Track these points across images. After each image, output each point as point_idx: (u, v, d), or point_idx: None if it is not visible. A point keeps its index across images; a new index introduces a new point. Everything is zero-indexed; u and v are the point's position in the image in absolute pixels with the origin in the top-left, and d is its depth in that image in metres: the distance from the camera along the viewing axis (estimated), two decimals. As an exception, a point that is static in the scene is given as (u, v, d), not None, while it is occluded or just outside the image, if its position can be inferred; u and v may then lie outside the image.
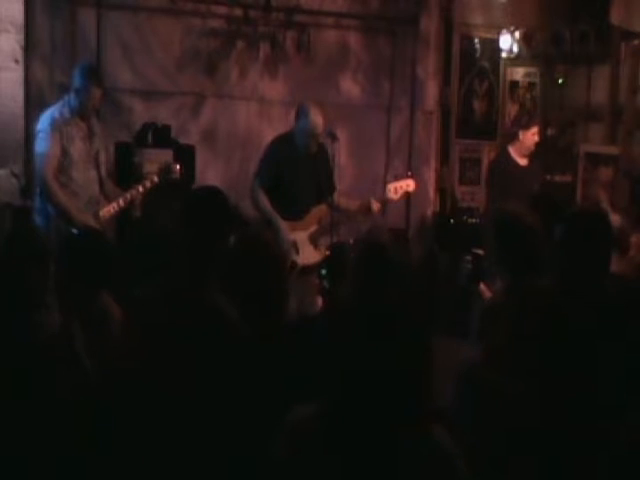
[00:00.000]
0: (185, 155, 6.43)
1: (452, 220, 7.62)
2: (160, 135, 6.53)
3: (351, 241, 5.71)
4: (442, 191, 7.93)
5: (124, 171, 6.27)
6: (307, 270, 5.69)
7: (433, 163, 7.90)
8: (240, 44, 7.07)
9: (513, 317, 2.68)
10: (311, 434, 2.09)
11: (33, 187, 5.62)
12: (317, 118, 5.55)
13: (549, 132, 7.96)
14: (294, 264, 5.57)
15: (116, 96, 6.72)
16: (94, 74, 5.50)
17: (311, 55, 7.23)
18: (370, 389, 2.03)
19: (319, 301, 5.78)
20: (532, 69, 8.14)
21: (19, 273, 2.96)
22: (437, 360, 3.09)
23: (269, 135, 6.26)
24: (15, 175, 6.06)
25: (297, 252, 5.62)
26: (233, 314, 2.90)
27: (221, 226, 3.01)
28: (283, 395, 2.60)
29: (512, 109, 8.14)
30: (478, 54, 7.94)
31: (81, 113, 5.43)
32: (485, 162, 7.93)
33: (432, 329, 3.42)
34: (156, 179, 5.57)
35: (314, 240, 5.73)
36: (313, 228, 5.73)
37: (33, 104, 6.42)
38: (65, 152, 5.35)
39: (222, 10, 6.99)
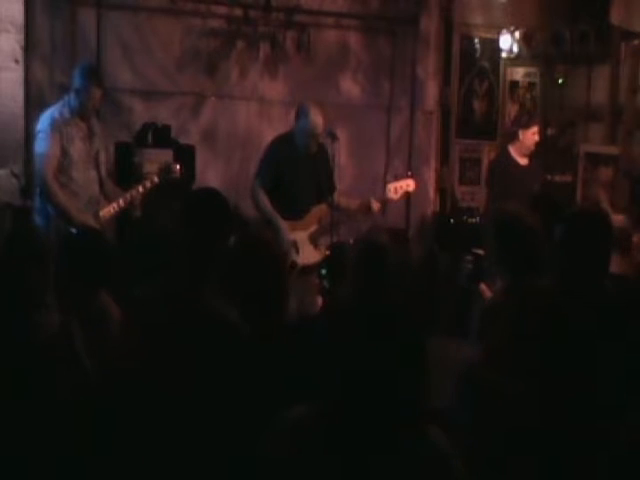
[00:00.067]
0: (185, 155, 6.43)
1: (452, 220, 7.62)
2: (160, 135, 6.53)
3: (351, 241, 5.71)
4: (442, 191, 7.93)
5: (124, 171, 6.27)
6: (307, 270, 5.69)
7: (433, 163, 7.90)
8: (240, 44, 7.07)
9: (513, 317, 2.68)
10: (311, 434, 2.09)
11: (33, 187, 5.62)
12: (317, 118, 5.55)
13: (549, 132, 7.96)
14: (294, 264, 5.57)
15: (116, 96, 6.72)
16: (94, 74, 5.50)
17: (311, 55, 7.23)
18: (370, 389, 2.03)
19: (319, 301, 5.78)
20: (532, 69, 8.14)
21: (19, 273, 2.96)
22: (437, 360, 3.09)
23: (269, 135, 6.26)
24: (15, 175, 6.06)
25: (297, 252, 5.62)
26: (233, 314, 2.90)
27: (221, 227, 3.01)
28: (283, 395, 2.59)
29: (512, 109, 8.14)
30: (478, 54, 7.94)
31: (81, 113, 5.43)
32: (485, 162, 7.93)
33: (432, 329, 3.43)
34: (156, 179, 5.58)
35: (314, 240, 5.73)
36: (313, 228, 5.73)
37: (33, 104, 6.42)
38: (65, 152, 5.35)
39: (222, 10, 6.99)
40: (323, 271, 5.91)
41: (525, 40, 7.70)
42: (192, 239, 2.96)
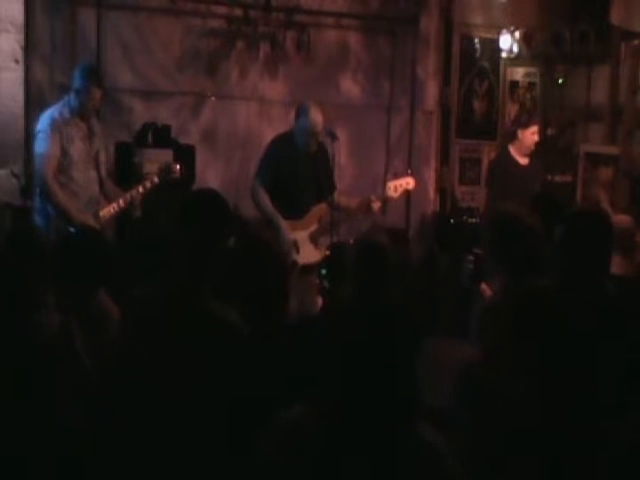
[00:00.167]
0: (185, 155, 6.43)
1: (452, 220, 7.62)
2: (160, 135, 6.53)
3: (351, 241, 5.72)
4: (442, 191, 7.93)
5: (124, 171, 6.27)
6: (307, 269, 5.69)
7: (433, 163, 7.90)
8: (240, 44, 7.07)
9: (513, 317, 2.68)
10: (311, 434, 2.09)
11: (33, 187, 5.62)
12: (317, 117, 5.56)
13: (549, 132, 7.96)
14: (294, 263, 5.57)
15: (116, 96, 6.72)
16: (94, 74, 5.50)
17: (311, 55, 7.23)
18: (369, 389, 2.03)
19: (319, 301, 5.78)
20: (532, 69, 8.14)
21: (19, 273, 2.96)
22: (437, 360, 3.09)
23: (269, 135, 6.26)
24: (15, 175, 6.06)
25: (297, 251, 5.62)
26: (233, 314, 2.90)
27: (220, 227, 3.01)
28: (283, 395, 2.59)
29: (512, 109, 8.14)
30: (478, 54, 7.94)
31: (81, 113, 5.43)
32: (485, 162, 7.93)
33: (432, 329, 3.43)
34: (156, 179, 5.58)
35: (314, 239, 5.74)
36: (313, 227, 5.74)
37: (33, 104, 6.42)
38: (65, 152, 5.35)
39: (222, 10, 6.99)
40: (323, 271, 5.91)
41: (525, 40, 7.70)
42: (192, 240, 2.96)
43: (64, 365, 2.88)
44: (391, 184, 5.96)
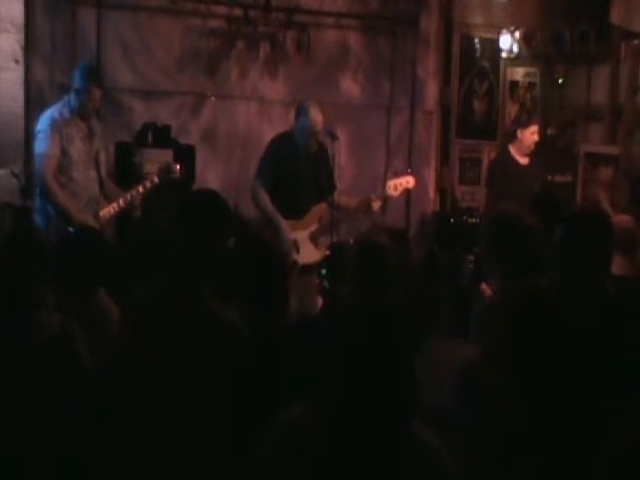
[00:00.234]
0: (185, 155, 6.43)
1: (452, 220, 7.62)
2: (160, 135, 6.54)
3: (351, 241, 5.71)
4: (442, 191, 7.93)
5: (124, 171, 6.27)
6: (307, 269, 5.69)
7: (433, 163, 7.90)
8: (240, 44, 7.08)
9: (512, 317, 2.68)
10: (311, 434, 2.09)
11: (33, 187, 5.63)
12: (317, 116, 5.56)
13: (549, 132, 7.96)
14: (295, 263, 5.57)
15: (116, 96, 6.72)
16: (94, 74, 5.50)
17: (311, 55, 7.23)
18: (369, 389, 2.03)
19: (319, 301, 5.78)
20: (532, 69, 8.15)
21: (19, 273, 2.96)
22: (437, 360, 3.09)
23: (269, 135, 6.26)
24: (15, 175, 6.07)
25: (298, 251, 5.62)
26: (233, 314, 2.90)
27: (220, 228, 3.01)
28: (283, 395, 2.60)
29: (512, 109, 8.15)
30: (478, 54, 7.95)
31: (81, 113, 5.43)
32: (485, 162, 7.94)
33: (432, 329, 3.43)
34: (156, 179, 5.58)
35: (314, 239, 5.74)
36: (313, 227, 5.74)
37: (33, 104, 6.43)
38: (65, 152, 5.35)
39: (222, 10, 6.99)
40: (323, 271, 5.91)
41: (525, 40, 7.70)
42: (192, 240, 2.96)
43: (64, 365, 2.88)
44: (391, 183, 5.96)
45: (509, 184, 6.52)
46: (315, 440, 2.07)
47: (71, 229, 4.99)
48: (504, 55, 7.89)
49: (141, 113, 6.83)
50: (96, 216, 5.42)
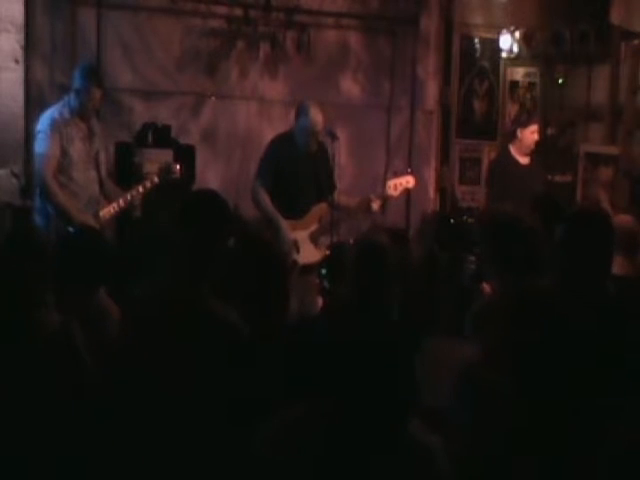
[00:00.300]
0: (185, 155, 6.43)
1: (452, 220, 7.62)
2: (160, 135, 6.54)
3: (351, 241, 5.71)
4: (442, 191, 7.93)
5: (124, 171, 6.27)
6: (307, 269, 5.69)
7: (433, 163, 7.90)
8: (240, 44, 7.08)
9: (512, 317, 2.68)
10: (311, 434, 2.09)
11: (33, 187, 5.63)
12: (317, 116, 5.56)
13: (549, 132, 7.96)
14: (295, 263, 5.57)
15: (116, 96, 6.72)
16: (94, 74, 5.50)
17: (311, 55, 7.23)
18: (369, 389, 2.03)
19: (319, 301, 5.78)
20: (532, 69, 8.14)
21: (19, 272, 2.96)
22: (437, 360, 3.09)
23: (269, 135, 6.26)
24: (15, 175, 6.07)
25: (298, 251, 5.63)
26: (233, 315, 2.90)
27: (220, 228, 3.01)
28: (283, 395, 2.60)
29: (512, 109, 8.14)
30: (478, 54, 7.95)
31: (81, 113, 5.43)
32: (485, 162, 7.93)
33: (432, 329, 3.43)
34: (156, 179, 5.58)
35: (315, 239, 5.74)
36: (314, 227, 5.74)
37: (33, 104, 6.43)
38: (65, 153, 5.36)
39: (222, 10, 6.99)
40: (323, 271, 5.91)
41: (525, 40, 7.70)
42: (192, 240, 2.96)
43: (64, 365, 2.88)
44: (391, 182, 5.97)
45: (509, 184, 6.52)
46: (315, 440, 2.07)
47: (71, 229, 4.99)
48: (504, 55, 7.89)
49: (141, 113, 6.83)
50: (96, 216, 5.42)
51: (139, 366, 2.84)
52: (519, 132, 6.77)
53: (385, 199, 5.94)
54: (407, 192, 6.28)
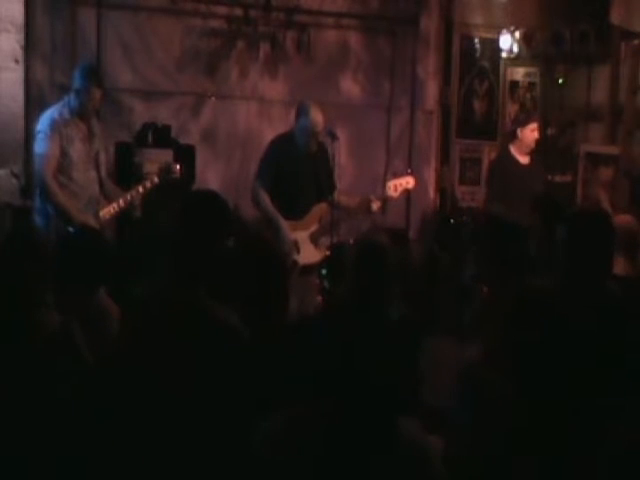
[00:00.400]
0: (185, 155, 6.43)
1: (452, 220, 7.62)
2: (160, 135, 6.54)
3: (351, 241, 5.72)
4: (442, 191, 7.93)
5: (124, 171, 6.27)
6: (307, 269, 5.69)
7: (433, 163, 7.90)
8: (240, 44, 7.08)
9: (512, 317, 2.68)
10: (311, 434, 2.09)
11: (33, 187, 5.63)
12: (317, 116, 5.56)
13: (549, 132, 7.95)
14: (295, 263, 5.57)
15: (116, 96, 6.72)
16: (94, 74, 5.50)
17: (311, 55, 7.23)
18: (369, 389, 2.03)
19: (319, 301, 5.78)
20: (532, 69, 8.14)
21: (19, 272, 2.96)
22: (437, 360, 3.09)
23: (269, 135, 6.26)
24: (15, 175, 6.07)
25: (298, 252, 5.63)
26: (233, 317, 2.90)
27: (219, 228, 3.01)
28: (283, 395, 2.60)
29: (512, 109, 8.14)
30: (478, 54, 7.94)
31: (81, 114, 5.43)
32: (485, 162, 7.93)
33: (432, 329, 3.43)
34: (156, 179, 5.58)
35: (315, 239, 5.74)
36: (314, 227, 5.74)
37: (33, 104, 6.43)
38: (65, 153, 5.35)
39: (222, 10, 6.99)
40: (323, 271, 5.92)
41: (525, 40, 7.70)
42: (191, 240, 2.96)
43: (64, 365, 2.88)
44: (391, 183, 5.97)
45: (509, 184, 6.52)
46: (315, 440, 2.07)
47: (71, 229, 4.99)
48: (504, 55, 7.89)
49: (141, 113, 6.83)
50: (96, 216, 5.41)
51: (139, 366, 2.84)
52: (519, 131, 6.77)
53: (385, 200, 5.94)
54: (407, 193, 6.28)
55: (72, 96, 5.41)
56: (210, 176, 6.98)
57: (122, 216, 5.63)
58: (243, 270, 3.12)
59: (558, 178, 7.86)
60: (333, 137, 5.58)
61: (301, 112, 5.63)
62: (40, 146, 5.35)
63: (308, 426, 2.10)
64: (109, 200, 5.53)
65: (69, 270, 3.41)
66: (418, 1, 7.58)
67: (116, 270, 3.73)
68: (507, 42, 7.73)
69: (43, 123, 5.39)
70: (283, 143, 5.70)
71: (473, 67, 7.95)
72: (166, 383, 2.76)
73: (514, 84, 8.13)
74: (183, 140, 6.74)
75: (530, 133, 6.73)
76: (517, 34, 7.69)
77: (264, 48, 7.12)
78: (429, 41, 7.73)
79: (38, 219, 5.35)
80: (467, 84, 7.95)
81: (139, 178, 5.77)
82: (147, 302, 3.00)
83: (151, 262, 3.57)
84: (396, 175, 6.30)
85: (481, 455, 2.48)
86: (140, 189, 5.52)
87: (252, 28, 7.00)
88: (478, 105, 8.02)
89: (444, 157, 7.93)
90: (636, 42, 7.33)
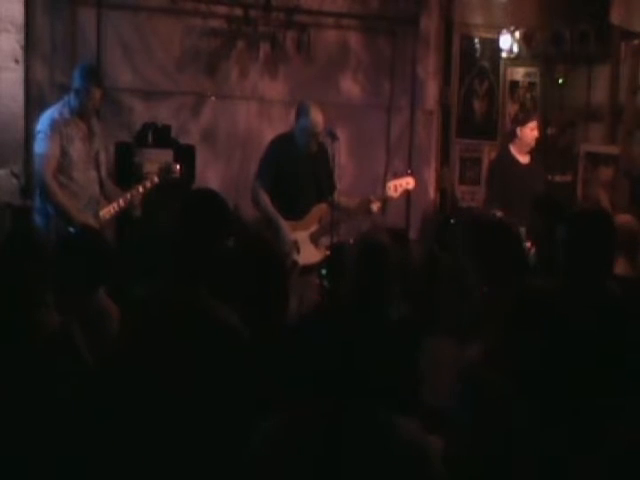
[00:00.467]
0: (185, 155, 6.43)
1: (452, 220, 7.61)
2: (160, 135, 6.54)
3: (351, 241, 5.71)
4: (442, 191, 7.92)
5: (124, 171, 6.27)
6: (307, 270, 5.70)
7: (433, 163, 7.90)
8: (240, 44, 7.08)
9: (512, 317, 2.68)
10: (311, 434, 2.09)
11: (33, 187, 5.63)
12: (317, 117, 5.56)
13: (549, 132, 7.95)
14: (295, 264, 5.57)
15: (116, 96, 6.72)
16: (94, 74, 5.50)
17: (311, 55, 7.23)
18: (369, 388, 2.03)
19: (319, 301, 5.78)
20: (532, 69, 8.14)
21: (19, 272, 2.96)
22: (437, 360, 3.09)
23: (269, 135, 6.27)
24: (15, 175, 6.07)
25: (298, 252, 5.63)
26: (233, 317, 2.90)
27: (219, 228, 3.01)
28: (283, 395, 2.59)
29: (512, 109, 8.14)
30: (478, 54, 7.94)
31: (81, 113, 5.43)
32: (485, 162, 7.93)
33: (432, 329, 3.43)
34: (156, 179, 5.58)
35: (315, 239, 5.74)
36: (314, 227, 5.74)
37: (33, 104, 6.43)
38: (65, 153, 5.35)
39: (222, 10, 6.99)
40: (323, 271, 5.91)
41: (525, 40, 7.69)
42: (191, 240, 2.96)
43: (64, 365, 2.88)
44: (391, 184, 5.97)
45: (509, 184, 6.52)
46: (315, 440, 2.07)
47: (72, 229, 4.99)
48: (504, 55, 7.88)
49: (141, 113, 6.83)
50: (96, 216, 5.42)
51: (139, 366, 2.84)
52: (518, 130, 6.77)
53: (385, 200, 5.94)
54: (407, 193, 6.28)
55: (72, 96, 5.41)
56: (210, 176, 6.97)
57: (122, 216, 5.63)
58: (243, 270, 3.12)
59: (558, 178, 7.86)
60: (333, 137, 5.58)
61: (301, 112, 5.63)
62: (40, 146, 5.36)
63: (308, 426, 2.10)
64: (109, 200, 5.53)
65: (69, 270, 3.41)
66: (418, 1, 7.58)
67: (116, 270, 3.72)
68: (507, 42, 7.73)
69: (43, 123, 5.39)
70: (283, 143, 5.70)
71: (473, 67, 7.95)
72: (166, 383, 2.76)
73: (514, 84, 8.13)
74: (183, 140, 6.74)
75: (530, 132, 6.73)
76: (517, 34, 7.69)
77: (264, 48, 7.12)
78: (429, 41, 7.72)
79: (38, 219, 5.35)
80: (467, 84, 7.95)
81: (139, 178, 5.77)
82: (147, 302, 3.00)
83: (151, 262, 3.56)
84: (396, 175, 6.30)
85: (481, 455, 2.48)
86: (140, 189, 5.52)
87: (252, 28, 7.00)
88: (478, 105, 8.02)
89: (444, 157, 7.92)
90: (636, 42, 7.33)
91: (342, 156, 5.88)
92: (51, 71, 6.57)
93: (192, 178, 6.42)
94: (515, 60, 7.96)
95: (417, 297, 3.76)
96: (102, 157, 5.63)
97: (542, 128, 7.29)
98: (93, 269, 3.53)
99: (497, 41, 7.79)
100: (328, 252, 5.78)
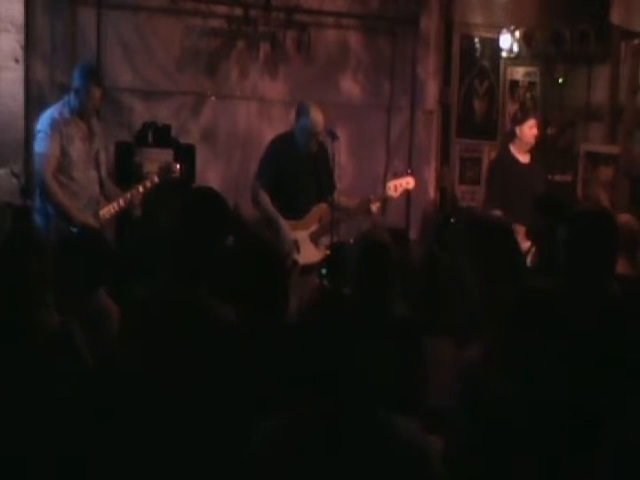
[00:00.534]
0: (185, 155, 6.43)
1: (452, 220, 7.61)
2: (160, 135, 6.54)
3: (351, 241, 5.70)
4: (442, 191, 7.92)
5: (124, 171, 6.27)
6: (307, 269, 5.70)
7: (433, 163, 7.89)
8: (240, 44, 7.08)
9: (512, 317, 2.68)
10: (311, 434, 2.09)
11: (33, 187, 5.63)
12: (318, 116, 5.56)
13: (549, 132, 7.95)
14: (295, 263, 5.58)
15: (116, 96, 6.73)
16: (94, 74, 5.50)
17: (311, 55, 7.23)
18: (369, 388, 2.03)
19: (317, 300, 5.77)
20: (532, 69, 8.14)
21: (19, 272, 2.96)
22: (437, 360, 3.09)
23: (269, 135, 6.27)
24: (15, 175, 6.06)
25: (298, 251, 5.63)
26: (232, 314, 2.90)
27: (218, 227, 3.01)
28: (283, 395, 2.59)
29: (512, 109, 8.14)
30: (478, 54, 7.94)
31: (81, 113, 5.43)
32: (485, 162, 7.93)
33: (432, 329, 3.43)
34: (156, 179, 5.58)
35: (315, 239, 5.74)
36: (314, 227, 5.74)
37: (33, 104, 6.43)
38: (65, 152, 5.36)
39: (222, 10, 6.99)
40: (323, 271, 5.91)
41: (525, 40, 7.70)
42: (191, 239, 2.96)
43: (64, 365, 2.88)
44: (391, 184, 5.97)
45: (509, 183, 6.52)
46: (315, 440, 2.07)
47: (72, 229, 4.99)
48: (504, 55, 7.88)
49: (141, 113, 6.83)
50: (96, 216, 5.42)
51: (139, 366, 2.84)
52: (517, 129, 6.77)
53: (385, 200, 5.94)
54: (407, 193, 6.28)
55: (72, 95, 5.42)
56: (210, 176, 6.97)
57: (122, 216, 5.63)
58: (243, 270, 3.12)
59: (558, 178, 7.86)
60: (333, 137, 5.58)
61: (301, 112, 5.63)
62: (40, 145, 5.36)
63: (308, 426, 2.10)
64: (109, 200, 5.53)
65: (69, 270, 3.41)
66: (418, 1, 7.58)
67: (116, 270, 3.72)
68: (507, 42, 7.73)
69: (43, 122, 5.39)
70: (283, 143, 5.70)
71: (473, 67, 7.95)
72: (166, 383, 2.76)
73: (514, 84, 8.13)
74: (183, 140, 6.74)
75: (529, 130, 6.73)
76: (517, 34, 7.69)
77: (264, 48, 7.13)
78: (429, 41, 7.72)
79: (38, 219, 5.35)
80: (467, 84, 7.95)
81: (139, 178, 5.77)
82: (147, 302, 3.00)
83: (151, 262, 3.56)
84: (396, 175, 6.30)
85: (481, 455, 2.48)
86: (140, 189, 5.52)
87: (252, 28, 7.00)
88: (478, 105, 8.01)
89: (444, 157, 7.92)
90: (636, 42, 7.33)
91: (342, 156, 5.88)
92: (51, 71, 6.57)
93: (192, 178, 6.42)
94: (515, 60, 7.96)
95: (417, 297, 3.76)
96: (102, 157, 5.63)
97: (542, 128, 7.29)
98: (93, 269, 3.53)
99: (497, 41, 7.79)
100: (328, 252, 5.78)
